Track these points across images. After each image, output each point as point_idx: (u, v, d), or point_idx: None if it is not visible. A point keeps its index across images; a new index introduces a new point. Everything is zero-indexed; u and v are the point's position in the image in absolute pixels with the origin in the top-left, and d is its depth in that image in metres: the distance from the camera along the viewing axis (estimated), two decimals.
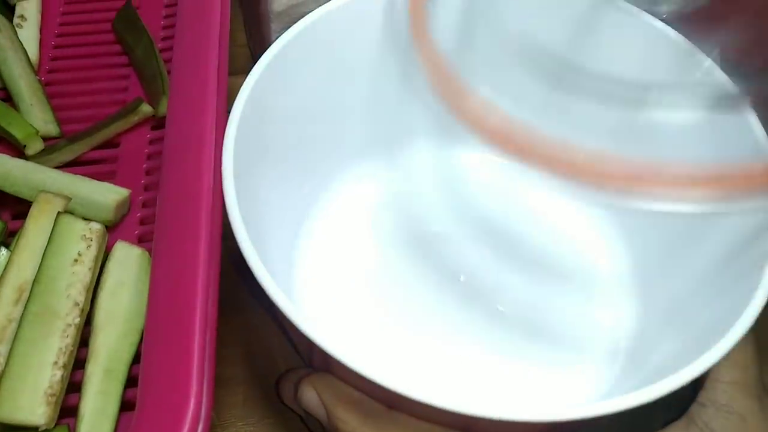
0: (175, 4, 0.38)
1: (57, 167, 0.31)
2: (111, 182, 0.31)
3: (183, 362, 0.18)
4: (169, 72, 0.35)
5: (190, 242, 0.20)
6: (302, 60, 0.26)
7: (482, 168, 0.33)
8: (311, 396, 0.22)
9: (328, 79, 0.28)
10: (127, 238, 0.29)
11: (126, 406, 0.25)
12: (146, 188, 0.32)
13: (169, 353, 0.18)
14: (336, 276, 0.30)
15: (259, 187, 0.25)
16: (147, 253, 0.28)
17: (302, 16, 0.27)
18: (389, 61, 0.29)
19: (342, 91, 0.29)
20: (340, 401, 0.21)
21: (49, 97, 0.34)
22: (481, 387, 0.27)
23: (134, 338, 0.26)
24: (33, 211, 0.28)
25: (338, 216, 0.31)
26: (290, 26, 0.29)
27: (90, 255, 0.27)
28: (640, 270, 0.29)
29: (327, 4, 0.26)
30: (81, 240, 0.27)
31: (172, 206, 0.22)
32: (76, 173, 0.31)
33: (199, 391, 0.17)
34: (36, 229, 0.27)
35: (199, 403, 0.17)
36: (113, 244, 0.28)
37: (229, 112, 0.24)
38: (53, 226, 0.27)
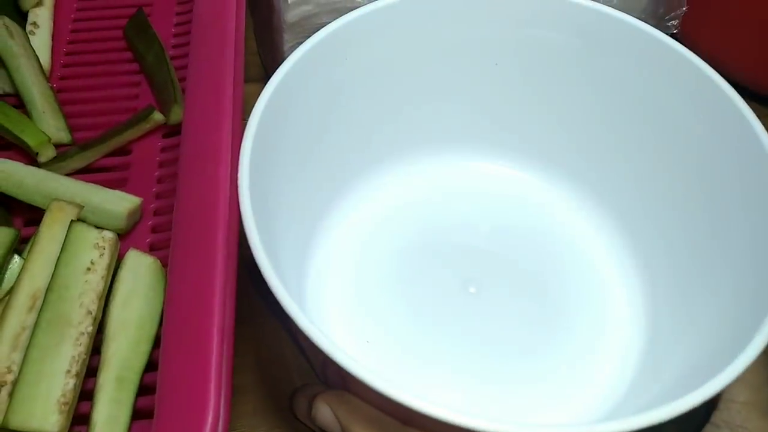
0: (187, 12, 0.39)
1: (68, 174, 0.32)
2: (122, 190, 0.31)
3: (201, 375, 0.18)
4: (181, 80, 0.35)
5: (208, 253, 0.20)
6: (318, 70, 0.26)
7: (497, 178, 0.33)
8: (326, 413, 0.22)
9: (343, 89, 0.28)
10: (138, 246, 0.29)
11: (138, 414, 0.25)
12: (158, 196, 0.32)
13: (187, 365, 0.18)
14: (347, 285, 0.30)
15: (273, 197, 0.25)
16: (159, 261, 0.28)
17: (315, 27, 0.27)
18: (404, 71, 0.29)
19: (357, 101, 0.29)
20: (355, 418, 0.21)
21: (61, 104, 0.34)
22: (491, 401, 0.27)
23: (146, 347, 0.26)
24: (46, 219, 0.28)
25: (350, 225, 0.32)
26: (303, 37, 0.29)
27: (103, 263, 0.27)
28: (651, 286, 0.29)
29: (344, 16, 0.26)
30: (94, 248, 0.27)
31: (188, 216, 0.22)
32: (87, 181, 0.31)
33: (216, 405, 0.18)
34: (49, 237, 0.27)
35: (216, 417, 0.17)
36: (125, 253, 0.28)
37: (242, 120, 0.24)
38: (66, 235, 0.27)
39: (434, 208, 0.32)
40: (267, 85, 0.24)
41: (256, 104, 0.24)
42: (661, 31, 0.27)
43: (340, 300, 0.29)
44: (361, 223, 0.32)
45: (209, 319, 0.19)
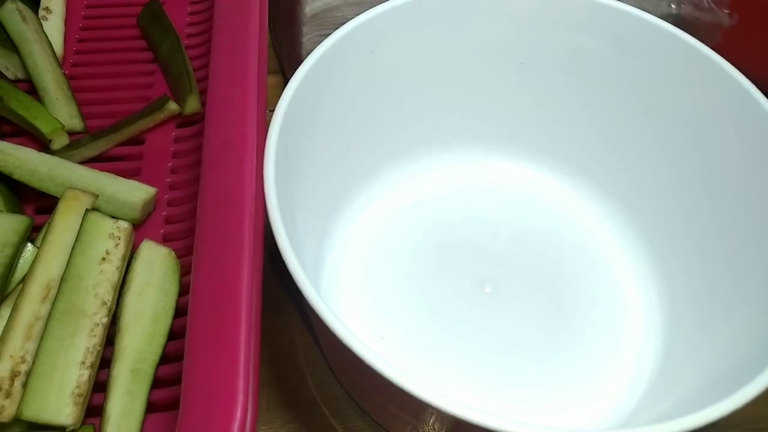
0: (202, 1, 0.38)
1: (80, 163, 0.31)
2: (136, 180, 0.30)
3: (229, 367, 0.18)
4: (195, 69, 0.34)
5: (235, 245, 0.20)
6: (344, 64, 0.26)
7: (516, 178, 0.33)
8: None
9: (367, 83, 0.28)
10: (152, 237, 0.29)
11: (152, 407, 0.24)
12: (171, 187, 0.32)
13: (215, 358, 0.18)
14: (362, 281, 0.30)
15: (294, 191, 0.25)
16: (173, 253, 0.28)
17: (334, 20, 0.27)
18: (428, 67, 0.29)
19: (381, 97, 0.29)
20: None
21: (73, 91, 0.34)
22: (503, 402, 0.27)
23: (161, 339, 0.26)
24: (60, 208, 0.27)
25: (366, 221, 0.31)
26: (322, 29, 0.29)
27: (118, 254, 0.27)
28: (669, 295, 0.29)
29: (371, 9, 0.26)
30: (109, 238, 0.27)
31: (214, 208, 0.21)
32: (100, 170, 0.30)
33: (245, 398, 0.17)
34: (63, 225, 0.27)
35: (245, 411, 0.17)
36: (138, 243, 0.28)
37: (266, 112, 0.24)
38: (81, 224, 0.26)
39: (451, 206, 0.32)
40: (293, 76, 0.24)
41: (282, 95, 0.23)
42: (661, 11, 0.27)
43: (356, 296, 0.29)
44: (377, 220, 0.31)
45: (237, 310, 0.19)
